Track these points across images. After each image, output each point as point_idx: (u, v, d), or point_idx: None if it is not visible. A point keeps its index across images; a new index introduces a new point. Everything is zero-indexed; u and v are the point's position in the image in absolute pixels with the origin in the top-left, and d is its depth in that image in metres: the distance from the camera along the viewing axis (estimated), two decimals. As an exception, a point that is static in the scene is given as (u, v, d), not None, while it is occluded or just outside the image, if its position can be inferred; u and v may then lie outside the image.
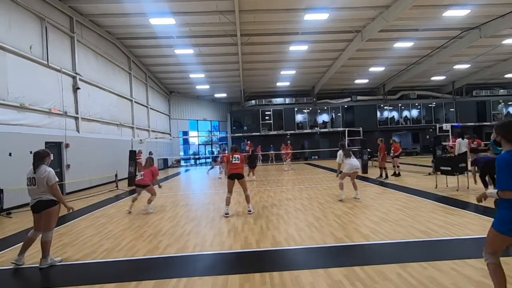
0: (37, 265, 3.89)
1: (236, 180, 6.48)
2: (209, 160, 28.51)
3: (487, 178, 7.15)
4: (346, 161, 7.67)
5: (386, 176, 11.03)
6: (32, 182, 3.87)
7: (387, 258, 3.67)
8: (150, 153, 16.57)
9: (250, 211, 6.54)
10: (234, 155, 6.54)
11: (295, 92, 27.19)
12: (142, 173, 7.23)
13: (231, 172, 6.46)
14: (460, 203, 6.41)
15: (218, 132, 30.02)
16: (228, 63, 19.25)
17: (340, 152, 7.84)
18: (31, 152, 3.61)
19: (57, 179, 4.00)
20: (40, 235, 3.97)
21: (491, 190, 2.33)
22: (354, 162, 7.70)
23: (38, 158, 3.94)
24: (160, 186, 8.07)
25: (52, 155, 4.24)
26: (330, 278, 3.18)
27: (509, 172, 2.20)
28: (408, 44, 17.11)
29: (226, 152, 15.14)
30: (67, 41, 11.60)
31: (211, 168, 17.00)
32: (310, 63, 19.97)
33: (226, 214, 6.34)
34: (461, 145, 11.54)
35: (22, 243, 4.04)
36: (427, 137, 26.01)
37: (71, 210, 4.12)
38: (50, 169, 3.98)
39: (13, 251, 4.43)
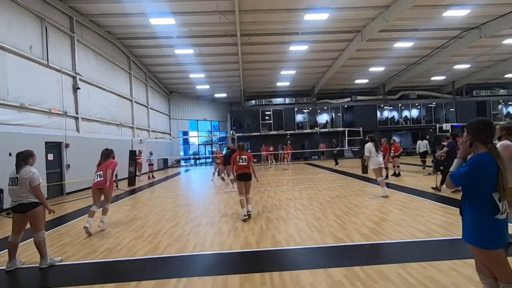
0: (37, 265, 3.89)
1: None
2: (209, 160, 28.45)
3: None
4: (375, 155, 7.46)
5: (386, 176, 11.03)
6: (14, 182, 3.82)
7: (387, 258, 3.67)
8: (151, 153, 16.60)
9: (249, 211, 6.12)
10: (242, 156, 6.20)
11: (295, 92, 27.20)
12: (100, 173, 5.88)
13: (238, 172, 6.18)
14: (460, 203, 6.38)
15: (218, 132, 30.02)
16: (228, 63, 19.25)
17: (369, 145, 7.50)
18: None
19: (41, 181, 3.94)
20: (33, 238, 3.91)
21: (456, 165, 2.14)
22: (380, 158, 7.65)
23: (21, 159, 3.91)
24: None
25: (36, 156, 4.14)
26: (330, 278, 3.18)
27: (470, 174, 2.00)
28: (408, 44, 17.11)
29: (224, 151, 14.56)
30: (67, 41, 11.59)
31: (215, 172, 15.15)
32: (310, 63, 19.97)
33: (244, 216, 5.88)
34: (420, 146, 13.64)
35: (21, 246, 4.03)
36: (427, 137, 25.98)
37: (52, 213, 4.04)
38: (35, 170, 3.92)
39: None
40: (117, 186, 11.66)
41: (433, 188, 8.30)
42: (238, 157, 6.21)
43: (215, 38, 15.36)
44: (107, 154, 6.03)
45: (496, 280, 2.02)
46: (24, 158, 3.92)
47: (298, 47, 16.76)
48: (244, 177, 6.16)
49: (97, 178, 5.78)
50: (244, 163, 6.17)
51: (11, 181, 3.85)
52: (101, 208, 5.84)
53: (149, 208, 7.68)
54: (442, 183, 7.93)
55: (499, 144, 3.53)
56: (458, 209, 2.24)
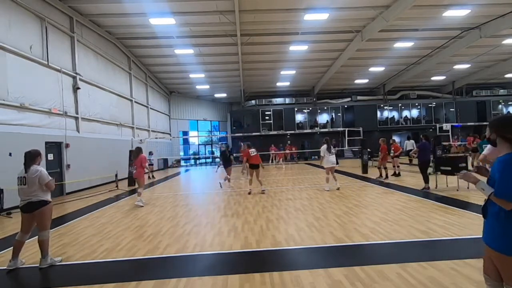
0: (37, 265, 3.89)
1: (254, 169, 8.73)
2: (209, 160, 28.78)
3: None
4: (328, 156, 8.90)
5: (386, 176, 11.03)
6: (22, 181, 3.87)
7: (387, 258, 3.67)
8: (150, 153, 16.60)
9: (263, 190, 8.75)
10: (251, 150, 8.73)
11: (295, 92, 27.20)
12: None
13: (251, 162, 8.66)
14: (460, 203, 6.40)
15: (218, 132, 30.03)
16: (228, 63, 19.25)
17: (324, 147, 8.97)
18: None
19: (50, 178, 4.02)
20: (36, 237, 3.96)
21: (485, 186, 1.89)
22: (333, 158, 9.01)
23: (30, 158, 3.95)
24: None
25: (43, 155, 4.22)
26: (330, 278, 3.18)
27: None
28: (408, 44, 17.10)
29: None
30: (67, 41, 11.59)
31: (219, 166, 16.76)
32: (310, 63, 19.97)
33: (249, 191, 8.74)
34: (407, 145, 14.33)
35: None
36: (431, 137, 26.02)
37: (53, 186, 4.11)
38: (42, 168, 3.99)
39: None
40: (117, 186, 11.67)
41: (423, 189, 8.47)
42: (249, 151, 8.65)
43: (215, 38, 15.36)
44: (137, 152, 8.02)
45: (501, 282, 1.95)
46: (32, 158, 3.98)
47: (298, 47, 16.76)
48: (255, 166, 8.66)
49: (134, 170, 8.08)
50: (255, 154, 8.67)
51: (19, 180, 3.90)
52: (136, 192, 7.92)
53: (149, 208, 7.67)
54: (426, 182, 8.54)
55: (489, 146, 3.48)
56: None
